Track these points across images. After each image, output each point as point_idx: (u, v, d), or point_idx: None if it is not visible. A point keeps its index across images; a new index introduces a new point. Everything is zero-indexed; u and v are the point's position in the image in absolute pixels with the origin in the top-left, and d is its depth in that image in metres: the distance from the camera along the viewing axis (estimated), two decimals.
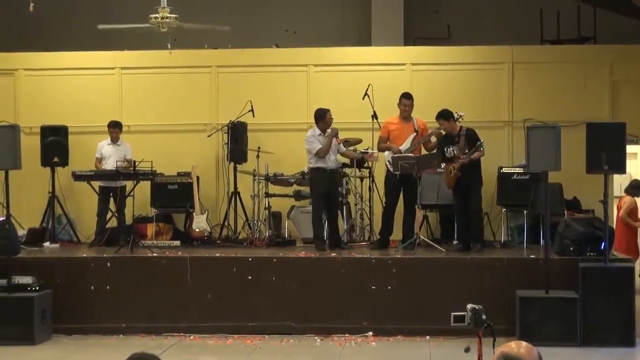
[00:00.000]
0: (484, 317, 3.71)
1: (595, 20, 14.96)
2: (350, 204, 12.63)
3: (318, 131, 11.56)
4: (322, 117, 11.59)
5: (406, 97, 11.84)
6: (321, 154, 11.45)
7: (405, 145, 11.69)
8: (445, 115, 11.29)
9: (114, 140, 12.77)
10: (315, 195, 11.71)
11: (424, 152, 11.81)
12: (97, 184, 12.63)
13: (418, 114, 11.96)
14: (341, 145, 11.80)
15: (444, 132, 11.42)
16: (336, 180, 11.77)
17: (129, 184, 12.15)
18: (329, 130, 11.52)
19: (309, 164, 11.70)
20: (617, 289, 9.85)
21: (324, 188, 11.54)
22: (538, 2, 15.23)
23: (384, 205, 11.90)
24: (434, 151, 11.60)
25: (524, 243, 12.05)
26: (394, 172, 11.53)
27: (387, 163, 11.76)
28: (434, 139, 11.66)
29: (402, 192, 11.68)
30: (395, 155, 11.53)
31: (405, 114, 11.81)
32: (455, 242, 11.76)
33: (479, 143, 11.11)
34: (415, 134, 11.72)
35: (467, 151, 11.12)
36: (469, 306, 3.77)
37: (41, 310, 10.28)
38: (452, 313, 3.82)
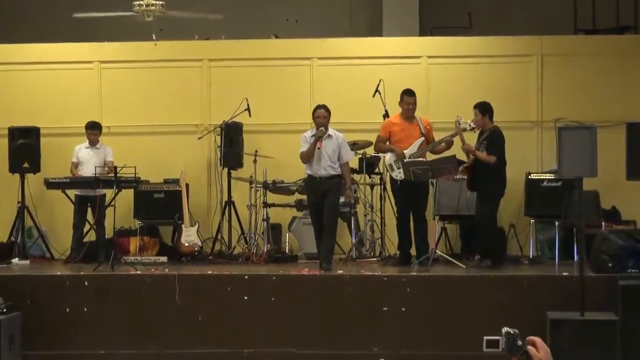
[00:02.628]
0: (519, 342, 3.67)
1: (636, 7, 14.94)
2: (359, 214, 12.60)
3: (314, 131, 11.50)
4: (312, 114, 11.56)
5: (409, 94, 11.79)
6: (303, 159, 11.37)
7: (410, 150, 11.63)
8: (481, 108, 11.38)
9: (93, 144, 12.76)
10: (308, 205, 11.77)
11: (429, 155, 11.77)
12: (72, 193, 12.60)
13: (435, 112, 11.95)
14: (345, 153, 11.52)
15: (454, 140, 11.48)
16: (330, 189, 11.29)
17: (109, 193, 12.12)
18: (333, 131, 11.44)
19: None
20: None
21: (311, 199, 11.48)
22: None
23: (396, 216, 11.87)
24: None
25: (556, 259, 12.03)
26: (396, 178, 11.55)
27: (388, 168, 11.71)
28: (443, 145, 11.64)
29: (411, 198, 11.63)
30: (407, 160, 11.48)
31: (409, 113, 11.76)
32: (477, 257, 11.74)
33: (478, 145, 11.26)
34: (422, 138, 11.65)
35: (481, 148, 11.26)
36: (504, 330, 3.73)
37: (9, 335, 10.23)
38: (484, 337, 3.77)
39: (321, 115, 11.38)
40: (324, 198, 11.28)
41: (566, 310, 9.97)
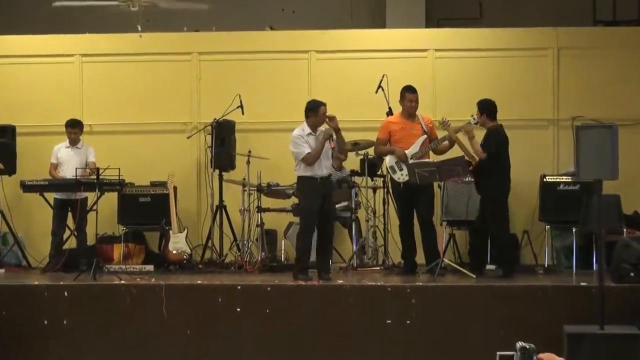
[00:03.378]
0: (535, 359, 3.68)
1: None
2: (361, 220, 12.59)
3: (307, 129, 11.36)
4: (313, 111, 11.34)
5: (410, 90, 11.81)
6: (310, 161, 11.20)
7: (412, 150, 11.64)
8: (480, 106, 11.44)
9: (73, 143, 12.75)
10: (302, 211, 11.64)
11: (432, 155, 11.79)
12: (51, 196, 12.59)
13: (442, 110, 11.95)
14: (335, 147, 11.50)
15: (455, 140, 11.49)
16: (330, 190, 11.43)
17: (91, 196, 12.12)
18: (321, 129, 11.34)
19: (295, 171, 11.45)
20: None
21: (314, 202, 11.28)
22: None
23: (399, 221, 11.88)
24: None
25: (573, 268, 12.06)
26: (398, 181, 11.58)
27: (389, 170, 11.71)
28: (446, 143, 11.65)
29: (414, 203, 11.63)
30: (413, 161, 11.48)
31: (411, 111, 11.80)
32: (489, 266, 11.74)
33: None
34: (424, 136, 11.68)
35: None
36: (519, 344, 3.73)
37: None
38: (498, 352, 3.76)
39: (326, 113, 11.33)
40: (324, 200, 11.27)
41: (584, 323, 9.94)
